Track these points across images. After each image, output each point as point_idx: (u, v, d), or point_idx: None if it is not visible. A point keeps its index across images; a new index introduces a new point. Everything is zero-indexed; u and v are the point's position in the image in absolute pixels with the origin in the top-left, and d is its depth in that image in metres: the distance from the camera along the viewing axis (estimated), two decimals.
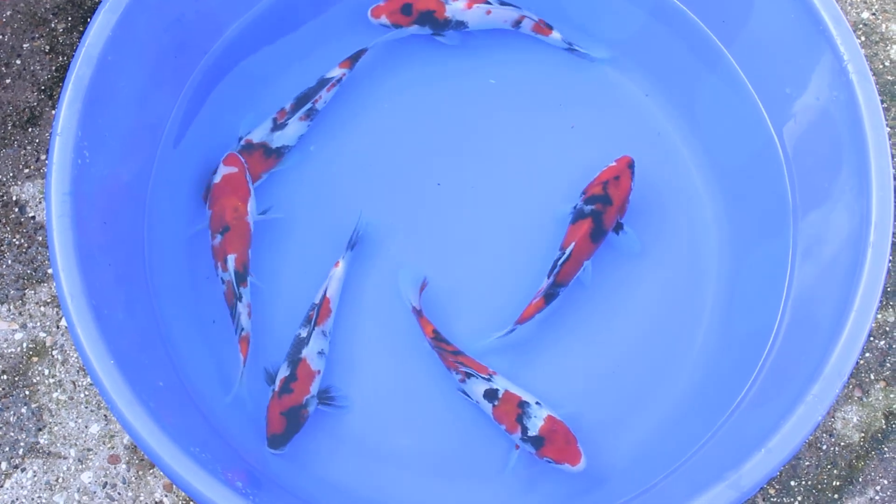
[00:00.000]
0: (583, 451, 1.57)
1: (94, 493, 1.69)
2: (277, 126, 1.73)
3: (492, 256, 1.75)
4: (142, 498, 1.69)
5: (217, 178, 1.68)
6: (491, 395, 1.60)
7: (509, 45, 1.85)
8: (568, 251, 1.65)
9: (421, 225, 1.77)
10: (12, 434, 1.71)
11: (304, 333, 1.63)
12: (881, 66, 1.93)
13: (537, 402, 1.60)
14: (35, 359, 1.75)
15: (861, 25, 1.95)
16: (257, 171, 1.72)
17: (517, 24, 1.82)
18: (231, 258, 1.64)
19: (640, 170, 1.73)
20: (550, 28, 1.82)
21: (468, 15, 1.79)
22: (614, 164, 1.72)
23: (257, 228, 1.70)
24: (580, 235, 1.66)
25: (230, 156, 1.70)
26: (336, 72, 1.77)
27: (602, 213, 1.67)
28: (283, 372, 1.61)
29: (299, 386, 1.60)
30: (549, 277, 1.66)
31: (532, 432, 1.57)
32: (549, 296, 1.66)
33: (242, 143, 1.73)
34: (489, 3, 1.79)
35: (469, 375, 1.61)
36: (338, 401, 1.64)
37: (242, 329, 1.63)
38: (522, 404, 1.59)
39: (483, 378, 1.61)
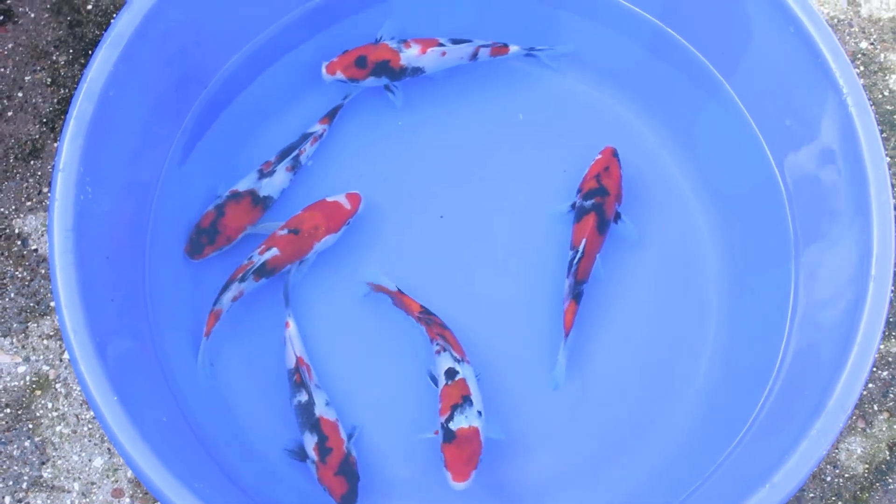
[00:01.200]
0: (471, 478, 1.57)
1: None
2: (264, 175, 1.73)
3: (493, 280, 1.76)
4: None
5: (338, 197, 1.74)
6: (450, 374, 1.61)
7: (502, 78, 1.86)
8: (581, 248, 1.67)
9: (423, 255, 1.77)
10: (16, 468, 1.71)
11: (303, 397, 1.62)
12: (880, 96, 1.93)
13: (479, 412, 1.60)
14: (38, 392, 1.75)
15: (860, 55, 1.95)
16: (243, 222, 1.71)
17: (474, 56, 1.81)
18: (273, 252, 1.67)
19: (637, 202, 1.75)
20: (507, 45, 1.81)
21: (424, 60, 1.78)
22: (599, 156, 1.76)
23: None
24: (589, 230, 1.68)
25: (355, 195, 1.75)
26: (317, 128, 1.78)
27: (603, 204, 1.70)
28: (311, 440, 1.59)
29: (334, 441, 1.59)
30: (569, 278, 1.68)
31: (452, 426, 1.58)
32: (577, 295, 1.68)
33: (228, 193, 1.72)
34: (442, 45, 1.78)
35: (444, 350, 1.63)
36: (357, 431, 1.65)
37: (219, 304, 1.65)
38: (467, 399, 1.59)
39: (454, 358, 1.62)
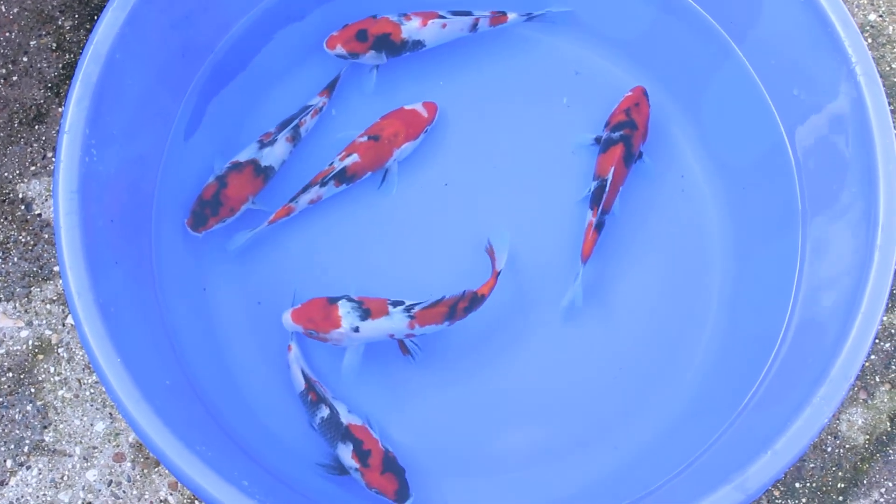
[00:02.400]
0: (296, 326, 1.60)
1: (99, 491, 1.69)
2: (265, 145, 1.72)
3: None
4: (147, 496, 1.69)
5: (416, 105, 1.76)
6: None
7: (513, 47, 1.85)
8: (609, 177, 1.68)
9: (429, 226, 1.78)
10: (17, 431, 1.71)
11: (324, 413, 1.60)
12: (888, 69, 1.93)
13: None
14: (41, 356, 1.75)
15: (868, 27, 1.95)
16: (246, 192, 1.70)
17: (474, 27, 1.81)
18: (353, 157, 1.71)
19: (644, 170, 1.76)
20: (505, 13, 1.81)
21: (424, 33, 1.78)
22: (630, 93, 1.77)
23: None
24: (616, 160, 1.70)
25: (431, 104, 1.78)
26: (317, 100, 1.77)
27: (630, 136, 1.72)
28: (346, 450, 1.57)
29: (369, 443, 1.58)
30: (594, 208, 1.69)
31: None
32: (599, 225, 1.69)
33: (229, 164, 1.71)
34: (443, 17, 1.78)
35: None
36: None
37: (295, 202, 1.70)
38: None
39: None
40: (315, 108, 1.76)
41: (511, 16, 1.81)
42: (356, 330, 1.58)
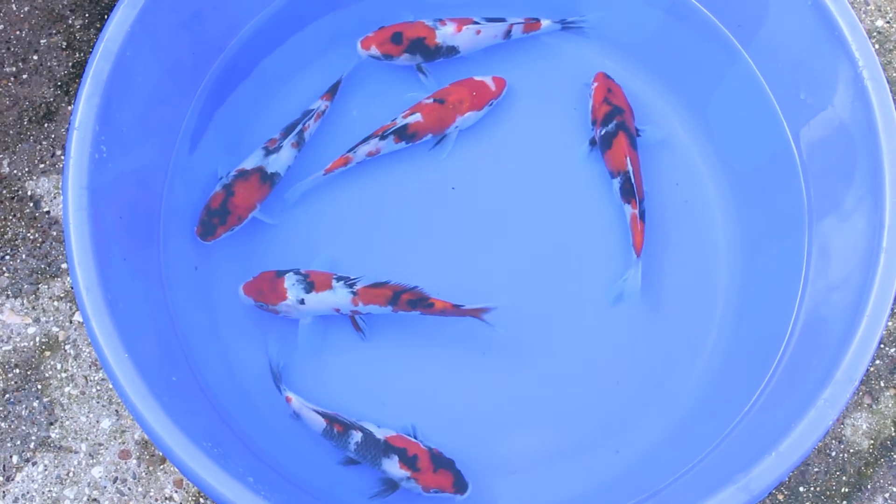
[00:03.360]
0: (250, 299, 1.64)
1: (105, 487, 1.70)
2: (270, 152, 1.72)
3: (510, 257, 1.77)
4: (152, 493, 1.69)
5: (485, 78, 1.80)
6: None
7: (520, 51, 1.86)
8: (630, 167, 1.70)
9: (435, 229, 1.78)
10: (24, 428, 1.72)
11: (358, 437, 1.58)
12: (895, 74, 1.93)
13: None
14: (48, 353, 1.75)
15: (875, 33, 1.95)
16: (254, 200, 1.71)
17: (508, 34, 1.82)
18: (416, 116, 1.74)
19: (651, 172, 1.77)
20: (538, 20, 1.83)
21: (459, 39, 1.79)
22: (595, 83, 1.79)
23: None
24: (626, 149, 1.71)
25: (500, 79, 1.80)
26: (319, 103, 1.78)
27: (624, 121, 1.74)
28: (392, 462, 1.57)
29: (412, 447, 1.58)
30: (631, 201, 1.70)
31: None
32: (642, 213, 1.70)
33: (235, 172, 1.71)
34: (478, 23, 1.79)
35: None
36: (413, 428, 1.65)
37: (354, 153, 1.73)
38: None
39: None
40: (317, 111, 1.77)
41: (545, 23, 1.83)
42: (301, 302, 1.62)
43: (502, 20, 1.80)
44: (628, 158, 1.70)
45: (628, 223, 1.71)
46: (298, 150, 1.75)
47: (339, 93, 1.80)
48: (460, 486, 1.58)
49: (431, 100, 1.76)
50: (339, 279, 1.63)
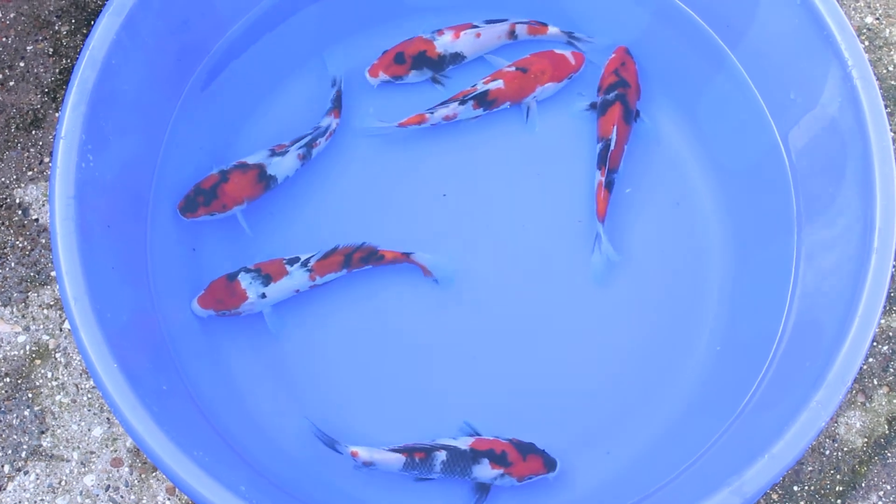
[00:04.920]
0: (206, 310, 1.64)
1: (97, 496, 1.69)
2: (276, 154, 1.71)
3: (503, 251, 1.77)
4: (144, 501, 1.69)
5: (565, 51, 1.80)
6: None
7: (507, 52, 1.85)
8: (613, 136, 1.71)
9: (427, 234, 1.77)
10: (15, 437, 1.71)
11: (442, 456, 1.55)
12: (885, 71, 1.93)
13: (264, 294, 1.64)
14: (38, 361, 1.75)
15: (865, 30, 1.95)
16: (244, 194, 1.70)
17: (512, 35, 1.82)
18: (497, 83, 1.75)
19: (643, 174, 1.76)
20: (546, 25, 1.83)
21: (459, 45, 1.79)
22: (613, 55, 1.80)
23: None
24: (617, 119, 1.72)
25: (580, 54, 1.82)
26: (328, 121, 1.76)
27: (626, 94, 1.75)
28: (482, 467, 1.56)
29: (496, 445, 1.58)
30: (602, 168, 1.71)
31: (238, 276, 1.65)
32: (609, 184, 1.71)
33: (236, 162, 1.70)
34: (476, 27, 1.79)
35: None
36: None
37: (431, 113, 1.75)
38: (265, 276, 1.65)
39: None
40: (329, 130, 1.75)
41: (553, 29, 1.83)
42: (263, 296, 1.64)
43: (503, 20, 1.80)
44: (615, 127, 1.71)
45: (594, 188, 1.72)
46: (303, 163, 1.74)
47: (347, 95, 1.80)
48: (550, 464, 1.59)
49: (514, 68, 1.78)
50: (290, 263, 1.65)
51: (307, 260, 1.65)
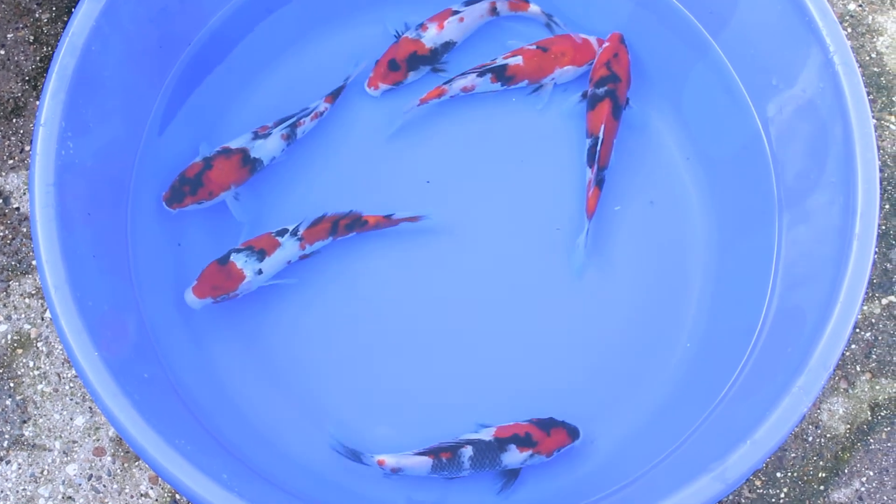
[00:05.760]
0: (202, 300, 1.63)
1: (80, 485, 1.69)
2: (258, 136, 1.71)
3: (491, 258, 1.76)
4: (127, 490, 1.68)
5: (590, 37, 1.80)
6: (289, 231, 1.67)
7: (489, 38, 1.85)
8: (601, 134, 1.71)
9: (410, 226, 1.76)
10: None
11: (469, 452, 1.55)
12: (867, 58, 1.93)
13: (260, 270, 1.64)
14: (20, 351, 1.74)
15: (847, 17, 1.95)
16: (229, 179, 1.69)
17: (493, 11, 1.82)
18: (517, 59, 1.77)
19: (627, 164, 1.75)
20: (527, 1, 1.83)
21: (446, 34, 1.79)
22: (607, 43, 1.79)
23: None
24: (605, 116, 1.72)
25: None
26: (319, 104, 1.75)
27: (616, 90, 1.74)
28: (511, 453, 1.57)
29: (519, 429, 1.59)
30: (592, 166, 1.71)
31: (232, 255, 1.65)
32: (600, 181, 1.71)
33: (219, 148, 1.70)
34: (458, 12, 1.79)
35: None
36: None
37: (449, 85, 1.76)
38: (260, 251, 1.65)
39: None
40: (315, 111, 1.74)
41: (534, 7, 1.83)
42: (259, 272, 1.63)
43: None
44: (603, 126, 1.71)
45: (584, 185, 1.72)
46: (288, 143, 1.73)
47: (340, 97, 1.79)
48: (574, 433, 1.61)
49: (535, 46, 1.78)
50: (279, 234, 1.65)
51: (296, 228, 1.65)
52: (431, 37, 1.79)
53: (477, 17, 1.81)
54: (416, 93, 1.79)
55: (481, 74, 1.76)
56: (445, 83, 1.76)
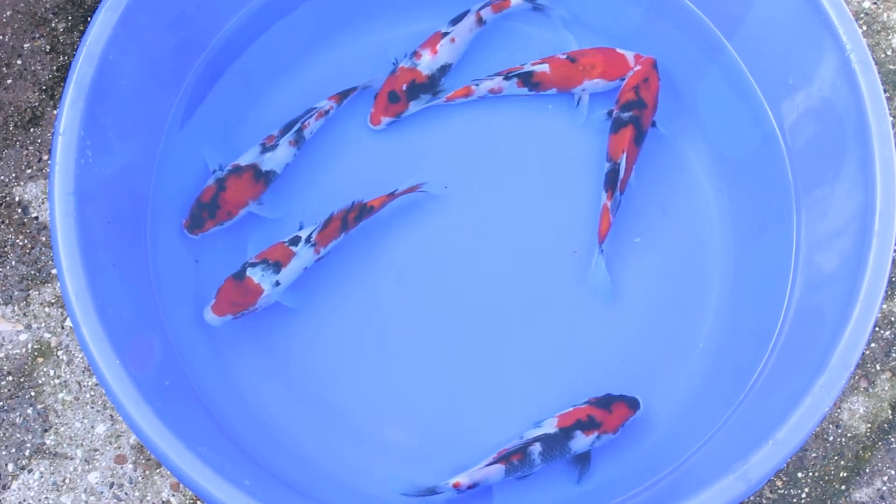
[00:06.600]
0: (223, 318, 1.63)
1: (101, 493, 1.69)
2: (267, 149, 1.70)
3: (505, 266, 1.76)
4: (149, 497, 1.69)
5: (626, 52, 1.78)
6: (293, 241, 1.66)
7: (505, 41, 1.85)
8: (622, 161, 1.69)
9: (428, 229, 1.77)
10: (18, 435, 1.71)
11: (538, 449, 1.56)
12: (883, 56, 1.92)
13: (278, 282, 1.64)
14: (40, 360, 1.75)
15: (863, 15, 1.95)
16: (245, 196, 1.69)
17: (480, 22, 1.81)
18: (544, 66, 1.76)
19: (641, 166, 1.74)
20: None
21: (441, 57, 1.78)
22: (639, 67, 1.77)
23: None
24: (627, 143, 1.70)
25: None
26: (324, 103, 1.75)
27: (640, 117, 1.72)
28: (579, 440, 1.58)
29: (581, 414, 1.59)
30: (608, 191, 1.70)
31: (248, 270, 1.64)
32: (615, 206, 1.70)
33: (229, 167, 1.70)
34: (447, 33, 1.79)
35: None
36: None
37: (476, 85, 1.78)
38: (274, 263, 1.64)
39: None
40: (320, 110, 1.74)
41: (514, 0, 1.82)
42: (277, 284, 1.63)
43: (466, 12, 1.79)
44: (625, 154, 1.69)
45: (599, 209, 1.71)
46: (297, 147, 1.73)
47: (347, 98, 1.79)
48: (634, 404, 1.61)
49: (564, 55, 1.78)
50: (291, 243, 1.64)
51: (309, 235, 1.64)
52: (427, 63, 1.78)
53: (467, 33, 1.80)
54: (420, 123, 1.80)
55: (507, 78, 1.76)
56: (473, 82, 1.77)
